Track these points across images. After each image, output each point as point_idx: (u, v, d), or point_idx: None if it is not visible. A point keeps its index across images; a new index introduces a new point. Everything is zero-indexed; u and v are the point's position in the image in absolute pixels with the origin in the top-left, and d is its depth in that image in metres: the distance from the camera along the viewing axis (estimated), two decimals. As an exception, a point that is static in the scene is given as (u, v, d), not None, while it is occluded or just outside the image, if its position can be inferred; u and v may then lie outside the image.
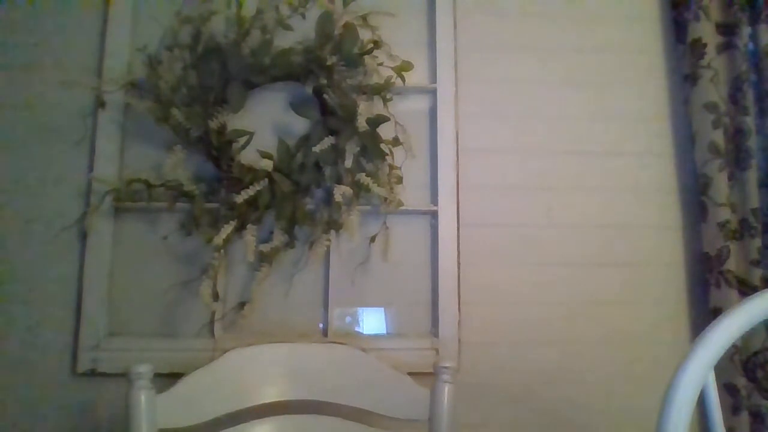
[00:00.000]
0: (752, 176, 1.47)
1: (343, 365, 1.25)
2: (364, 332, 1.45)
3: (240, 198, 1.32)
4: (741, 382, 1.40)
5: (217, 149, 1.39)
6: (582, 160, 1.55)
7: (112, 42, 1.48)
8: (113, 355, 1.36)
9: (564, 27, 1.61)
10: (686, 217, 1.55)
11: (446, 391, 1.15)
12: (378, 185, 1.38)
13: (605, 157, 1.56)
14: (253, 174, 1.37)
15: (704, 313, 1.47)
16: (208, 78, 1.40)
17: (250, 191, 1.34)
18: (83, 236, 1.41)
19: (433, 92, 1.53)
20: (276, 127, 1.49)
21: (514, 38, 1.59)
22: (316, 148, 1.35)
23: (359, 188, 1.38)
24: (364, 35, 1.45)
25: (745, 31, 1.53)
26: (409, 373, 1.22)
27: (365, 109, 1.38)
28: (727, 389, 1.41)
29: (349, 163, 1.36)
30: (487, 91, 1.56)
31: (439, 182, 1.49)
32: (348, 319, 1.45)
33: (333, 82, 1.40)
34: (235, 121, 1.43)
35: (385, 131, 1.43)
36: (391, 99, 1.45)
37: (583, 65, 1.59)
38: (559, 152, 1.55)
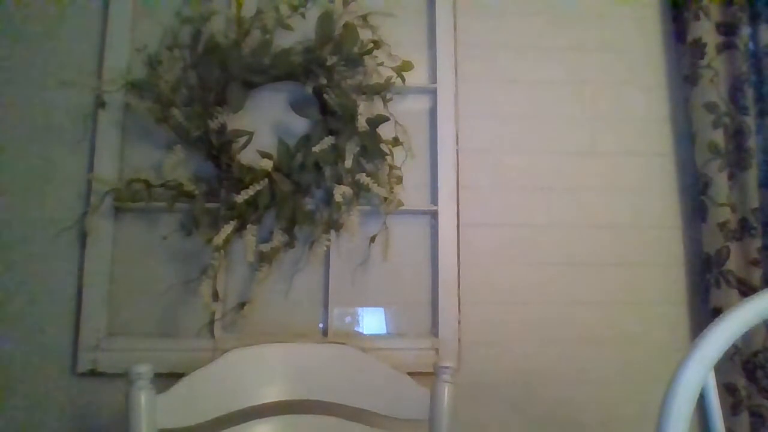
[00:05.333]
0: (752, 176, 1.47)
1: (343, 365, 1.24)
2: (364, 332, 1.45)
3: (240, 198, 1.32)
4: (741, 382, 1.40)
5: (217, 149, 1.39)
6: (582, 160, 1.56)
7: (112, 42, 1.48)
8: (113, 355, 1.36)
9: (564, 27, 1.61)
10: (686, 217, 1.55)
11: (446, 391, 1.15)
12: (378, 185, 1.38)
13: (605, 157, 1.56)
14: (253, 174, 1.37)
15: (704, 313, 1.47)
16: (208, 78, 1.40)
17: (250, 191, 1.34)
18: (83, 236, 1.41)
19: (433, 92, 1.53)
20: (276, 127, 1.49)
21: (514, 38, 1.59)
22: (316, 148, 1.35)
23: (359, 188, 1.38)
24: (364, 35, 1.45)
25: (745, 31, 1.53)
26: (409, 373, 1.22)
27: (365, 109, 1.39)
28: (727, 389, 1.41)
29: (349, 163, 1.36)
30: (487, 91, 1.56)
31: (439, 182, 1.49)
32: (348, 319, 1.45)
33: (333, 82, 1.40)
34: (235, 121, 1.43)
35: (385, 131, 1.43)
36: (391, 99, 1.45)
37: (583, 65, 1.59)
38: (559, 152, 1.55)
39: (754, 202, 1.46)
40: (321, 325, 1.44)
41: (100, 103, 1.44)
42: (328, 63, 1.38)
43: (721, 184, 1.45)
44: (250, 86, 1.45)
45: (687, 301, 1.52)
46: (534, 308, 1.48)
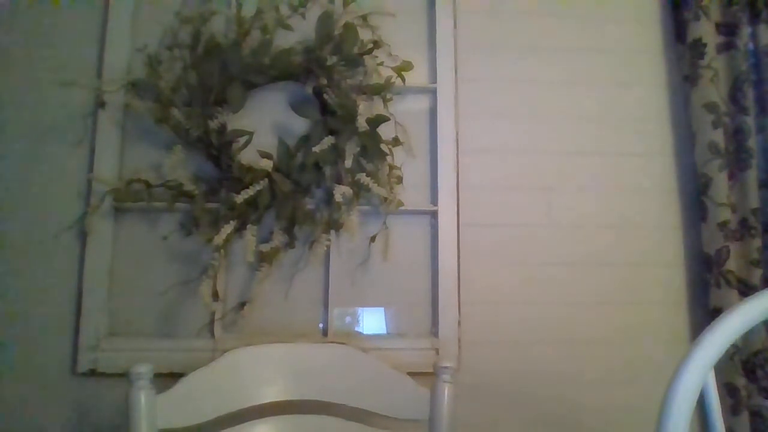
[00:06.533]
0: (752, 176, 1.47)
1: (343, 365, 1.25)
2: (364, 332, 1.45)
3: (240, 198, 1.32)
4: (741, 382, 1.40)
5: (217, 149, 1.39)
6: (582, 160, 1.56)
7: (112, 42, 1.48)
8: (113, 355, 1.36)
9: (564, 27, 1.61)
10: (686, 217, 1.55)
11: (446, 391, 1.15)
12: (378, 185, 1.38)
13: (605, 157, 1.56)
14: (253, 174, 1.37)
15: (704, 313, 1.47)
16: (208, 78, 1.40)
17: (250, 191, 1.34)
18: (83, 236, 1.41)
19: (433, 92, 1.53)
20: (276, 127, 1.49)
21: (514, 38, 1.59)
22: (316, 148, 1.35)
23: (359, 188, 1.38)
24: (364, 35, 1.45)
25: (745, 31, 1.53)
26: (409, 373, 1.22)
27: (365, 109, 1.38)
28: (727, 389, 1.41)
29: (349, 163, 1.36)
30: (487, 91, 1.56)
31: (439, 182, 1.49)
32: (348, 319, 1.45)
33: (333, 82, 1.40)
34: (235, 121, 1.43)
35: (385, 131, 1.43)
36: (391, 99, 1.45)
37: (583, 65, 1.59)
38: (559, 152, 1.55)
39: (754, 202, 1.47)
40: (321, 325, 1.44)
41: (100, 103, 1.44)
42: (328, 63, 1.38)
43: (721, 184, 1.45)
44: (250, 86, 1.44)
45: (687, 301, 1.52)
46: (534, 308, 1.48)
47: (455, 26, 1.56)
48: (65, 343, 1.37)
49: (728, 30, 1.54)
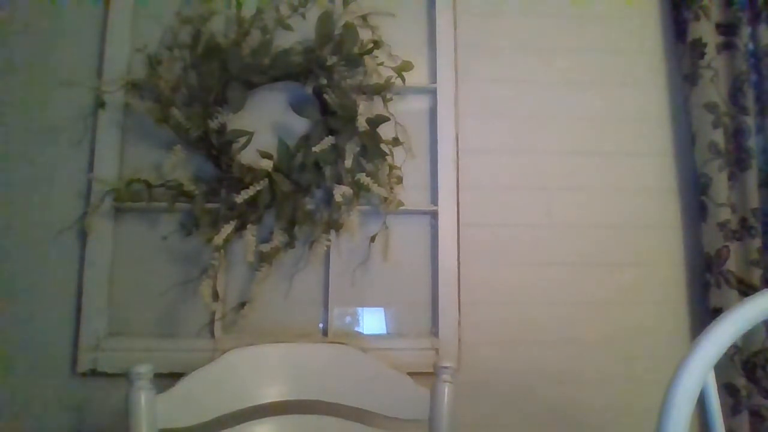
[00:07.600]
0: (752, 176, 1.47)
1: (343, 365, 1.24)
2: (364, 332, 1.45)
3: (240, 198, 1.32)
4: (741, 382, 1.40)
5: (217, 149, 1.39)
6: (582, 160, 1.55)
7: (112, 42, 1.48)
8: (113, 355, 1.36)
9: (564, 27, 1.61)
10: (686, 217, 1.55)
11: (446, 391, 1.15)
12: (378, 185, 1.38)
13: (605, 157, 1.56)
14: (253, 174, 1.37)
15: (704, 313, 1.47)
16: (208, 78, 1.40)
17: (250, 191, 1.34)
18: (83, 236, 1.41)
19: (433, 92, 1.53)
20: (276, 127, 1.49)
21: (514, 38, 1.59)
22: (316, 148, 1.35)
23: (359, 188, 1.38)
24: (364, 35, 1.45)
25: (745, 31, 1.53)
26: (409, 373, 1.22)
27: (365, 109, 1.39)
28: (727, 389, 1.41)
29: (349, 163, 1.36)
30: (487, 91, 1.56)
31: (439, 182, 1.49)
32: (348, 319, 1.45)
33: (333, 82, 1.40)
34: (235, 121, 1.43)
35: (385, 131, 1.43)
36: (391, 99, 1.45)
37: (584, 65, 1.59)
38: (559, 152, 1.55)
39: (754, 202, 1.46)
40: (321, 325, 1.44)
41: (100, 103, 1.44)
42: (328, 63, 1.38)
43: (721, 184, 1.45)
44: (250, 86, 1.44)
45: (687, 301, 1.52)
46: (534, 308, 1.48)
47: (455, 26, 1.56)
48: (65, 343, 1.37)
49: (728, 30, 1.54)
